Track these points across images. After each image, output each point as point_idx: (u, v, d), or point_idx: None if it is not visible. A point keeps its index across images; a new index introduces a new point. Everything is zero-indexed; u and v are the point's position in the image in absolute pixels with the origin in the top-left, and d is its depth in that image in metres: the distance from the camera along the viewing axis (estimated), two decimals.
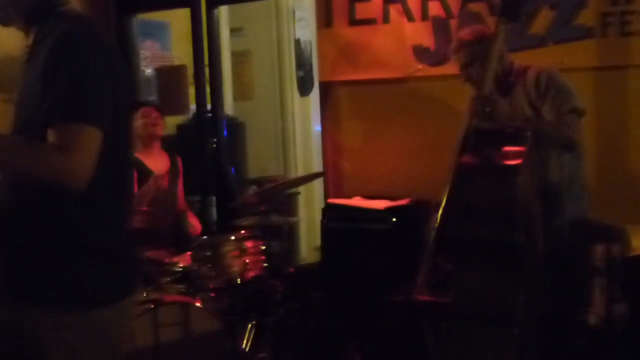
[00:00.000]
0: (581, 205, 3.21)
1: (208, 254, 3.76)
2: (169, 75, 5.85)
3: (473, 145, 3.00)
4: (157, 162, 4.48)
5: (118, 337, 1.97)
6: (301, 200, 6.32)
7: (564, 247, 3.11)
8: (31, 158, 1.79)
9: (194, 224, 4.54)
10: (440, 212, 3.09)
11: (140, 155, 4.42)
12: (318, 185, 5.50)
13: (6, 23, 2.03)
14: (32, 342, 1.89)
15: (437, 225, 3.10)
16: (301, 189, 6.05)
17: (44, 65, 1.84)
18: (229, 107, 6.40)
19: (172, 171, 4.55)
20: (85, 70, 1.83)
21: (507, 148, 2.93)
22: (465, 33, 3.43)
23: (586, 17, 3.89)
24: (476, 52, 3.29)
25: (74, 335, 1.88)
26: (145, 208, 3.87)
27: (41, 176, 1.81)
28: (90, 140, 1.81)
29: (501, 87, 3.24)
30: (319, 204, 5.53)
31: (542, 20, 3.93)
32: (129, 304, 2.03)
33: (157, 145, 4.48)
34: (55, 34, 1.87)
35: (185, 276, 3.80)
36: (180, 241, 4.27)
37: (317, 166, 5.67)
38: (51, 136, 1.80)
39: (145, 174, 4.36)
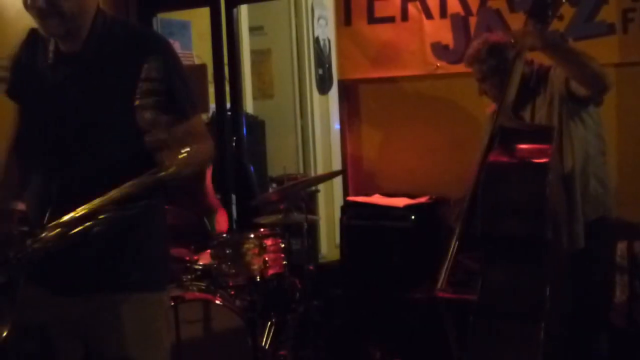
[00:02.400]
0: (603, 203, 3.18)
1: (228, 251, 3.79)
2: (189, 74, 5.87)
3: (500, 144, 3.00)
4: None
5: (171, 316, 2.24)
6: (321, 198, 6.34)
7: (586, 245, 3.09)
8: (201, 153, 2.01)
9: (221, 221, 4.55)
10: (464, 209, 3.11)
11: None
12: (338, 183, 5.51)
13: (63, 35, 2.07)
14: (101, 329, 2.05)
15: (460, 222, 3.12)
16: (321, 187, 6.06)
17: (128, 67, 1.93)
18: (248, 105, 6.44)
19: None
20: (182, 68, 2.16)
21: (535, 146, 2.94)
22: (474, 48, 3.35)
23: (607, 14, 3.86)
24: (489, 67, 3.24)
25: (149, 314, 2.10)
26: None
27: (210, 161, 2.17)
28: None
29: (522, 95, 3.16)
30: (339, 202, 5.54)
31: (563, 15, 3.90)
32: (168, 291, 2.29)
33: None
34: (131, 39, 2.07)
35: (206, 274, 3.83)
36: (203, 239, 4.30)
37: (337, 164, 5.67)
38: (185, 128, 1.97)
39: None
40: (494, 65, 3.22)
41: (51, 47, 2.08)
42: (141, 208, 1.93)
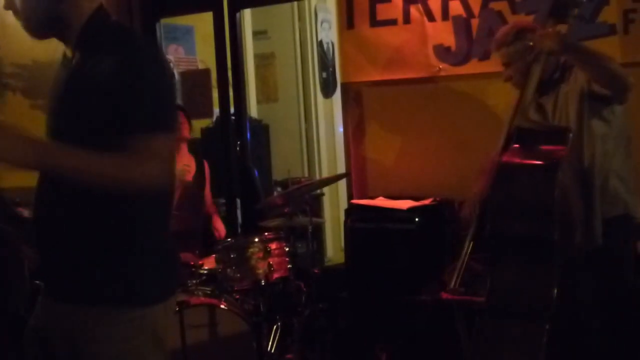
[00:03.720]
0: (624, 201, 3.17)
1: (233, 256, 3.80)
2: (193, 79, 5.90)
3: (514, 144, 3.01)
4: (183, 163, 4.53)
5: (164, 334, 2.05)
6: (326, 201, 6.35)
7: (605, 243, 3.08)
8: (120, 168, 1.86)
9: (219, 228, 4.58)
10: (479, 209, 3.12)
11: None
12: (343, 186, 5.52)
13: (34, 35, 2.06)
14: (81, 341, 1.95)
15: (474, 223, 3.12)
16: (326, 190, 6.07)
17: (110, 76, 1.88)
18: (253, 109, 6.46)
19: (199, 175, 4.59)
20: (162, 83, 1.96)
21: (548, 147, 2.95)
22: (502, 32, 3.36)
23: (608, 14, 3.87)
24: (516, 50, 3.22)
25: (126, 332, 1.95)
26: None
27: (131, 184, 1.88)
28: (171, 148, 1.97)
29: (545, 85, 3.17)
30: (344, 204, 5.55)
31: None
32: (172, 303, 2.12)
33: (184, 148, 4.53)
34: (118, 48, 1.94)
35: (211, 278, 3.85)
36: (207, 244, 4.32)
37: (341, 167, 5.69)
38: (136, 144, 1.87)
39: None
40: (520, 48, 3.20)
41: (67, 51, 2.09)
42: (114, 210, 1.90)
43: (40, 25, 2.03)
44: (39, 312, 2.08)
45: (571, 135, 2.99)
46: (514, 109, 3.15)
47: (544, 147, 2.96)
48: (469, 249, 3.05)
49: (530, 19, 3.94)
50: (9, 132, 1.81)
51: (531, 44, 3.08)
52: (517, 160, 2.96)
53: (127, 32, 2.07)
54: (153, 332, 2.00)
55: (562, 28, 3.10)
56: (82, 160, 1.84)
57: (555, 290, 2.78)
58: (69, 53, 2.07)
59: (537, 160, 2.95)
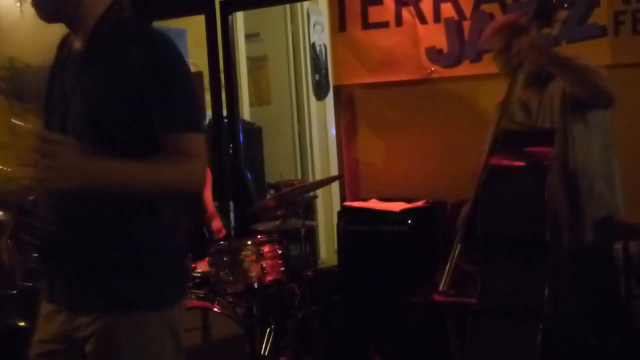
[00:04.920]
0: (609, 202, 3.18)
1: (226, 259, 3.80)
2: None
3: (502, 147, 3.03)
4: None
5: (181, 334, 2.04)
6: (320, 203, 6.35)
7: (589, 245, 3.10)
8: (172, 174, 1.86)
9: (218, 226, 4.57)
10: (467, 212, 3.13)
11: None
12: (337, 188, 5.52)
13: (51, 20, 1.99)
14: (106, 349, 1.93)
15: (463, 225, 3.13)
16: (319, 192, 6.07)
17: (140, 72, 1.85)
18: (245, 112, 6.45)
19: None
20: (189, 81, 1.95)
21: (536, 149, 2.97)
22: (501, 18, 3.40)
23: (599, 16, 3.88)
24: (509, 40, 3.18)
25: (148, 334, 1.95)
26: None
27: (182, 187, 1.89)
28: (204, 145, 1.94)
29: (534, 81, 3.18)
30: (337, 207, 5.55)
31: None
32: (184, 303, 2.13)
33: None
34: (143, 43, 1.89)
35: (204, 281, 3.84)
36: (201, 246, 4.31)
37: (335, 169, 5.68)
38: (174, 144, 1.86)
39: None
40: (512, 39, 3.15)
41: (68, 46, 2.02)
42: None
43: (54, 3, 1.94)
44: (47, 325, 2.02)
45: (556, 136, 3.01)
46: (499, 111, 3.16)
47: (532, 149, 2.98)
48: (457, 252, 3.08)
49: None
50: (65, 155, 1.72)
51: (516, 50, 3.05)
52: (506, 162, 2.98)
53: (148, 27, 2.00)
54: (172, 333, 2.00)
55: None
56: (135, 174, 1.83)
57: (549, 290, 2.79)
58: (77, 44, 1.98)
59: (527, 161, 2.97)
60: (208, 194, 4.65)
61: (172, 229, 2.02)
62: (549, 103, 3.16)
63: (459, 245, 3.09)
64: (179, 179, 1.87)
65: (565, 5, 3.00)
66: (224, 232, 4.59)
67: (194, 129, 1.90)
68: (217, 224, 4.60)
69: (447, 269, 3.07)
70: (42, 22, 1.99)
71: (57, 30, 2.05)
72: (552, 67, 3.06)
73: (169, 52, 1.92)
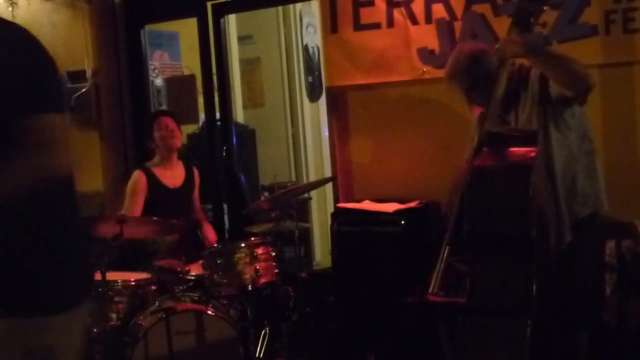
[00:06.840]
0: (593, 199, 3.20)
1: (219, 261, 3.80)
2: (179, 85, 5.90)
3: (486, 148, 3.05)
4: (173, 173, 4.53)
5: (83, 335, 1.98)
6: (314, 205, 6.35)
7: (575, 243, 3.12)
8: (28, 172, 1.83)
9: (209, 236, 4.55)
10: (454, 214, 3.15)
11: (157, 168, 4.46)
12: (330, 190, 5.53)
13: None
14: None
15: (450, 227, 3.15)
16: (313, 194, 6.08)
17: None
18: (239, 114, 6.45)
19: (188, 182, 4.59)
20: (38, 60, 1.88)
21: (520, 149, 2.99)
22: (451, 62, 3.36)
23: (590, 15, 3.89)
24: (476, 76, 3.24)
25: (23, 344, 1.87)
26: (155, 218, 3.90)
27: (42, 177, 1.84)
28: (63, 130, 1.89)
29: (506, 99, 3.21)
30: (331, 209, 5.56)
31: (546, 20, 3.92)
32: (78, 313, 1.99)
33: (174, 156, 4.53)
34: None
35: (198, 284, 3.84)
36: (195, 250, 4.31)
37: (328, 171, 5.67)
38: (26, 125, 1.81)
39: (158, 188, 4.40)
40: (480, 72, 3.23)
41: None
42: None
43: None
44: None
45: (539, 137, 3.04)
46: (484, 113, 3.19)
47: (516, 149, 3.01)
48: (446, 253, 3.09)
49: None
50: None
51: (496, 48, 3.13)
52: (490, 162, 3.01)
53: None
54: (59, 341, 1.92)
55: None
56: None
57: (536, 287, 2.80)
58: None
59: (510, 161, 3.00)
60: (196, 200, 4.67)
61: (71, 229, 1.98)
62: (524, 109, 3.19)
63: (447, 248, 3.12)
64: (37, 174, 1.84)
65: (545, 9, 3.05)
66: (214, 240, 4.55)
67: (45, 109, 1.85)
68: (207, 232, 4.58)
69: (436, 271, 3.10)
70: (33, 26, 1.98)
71: (47, 34, 2.05)
72: (530, 56, 3.10)
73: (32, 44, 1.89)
